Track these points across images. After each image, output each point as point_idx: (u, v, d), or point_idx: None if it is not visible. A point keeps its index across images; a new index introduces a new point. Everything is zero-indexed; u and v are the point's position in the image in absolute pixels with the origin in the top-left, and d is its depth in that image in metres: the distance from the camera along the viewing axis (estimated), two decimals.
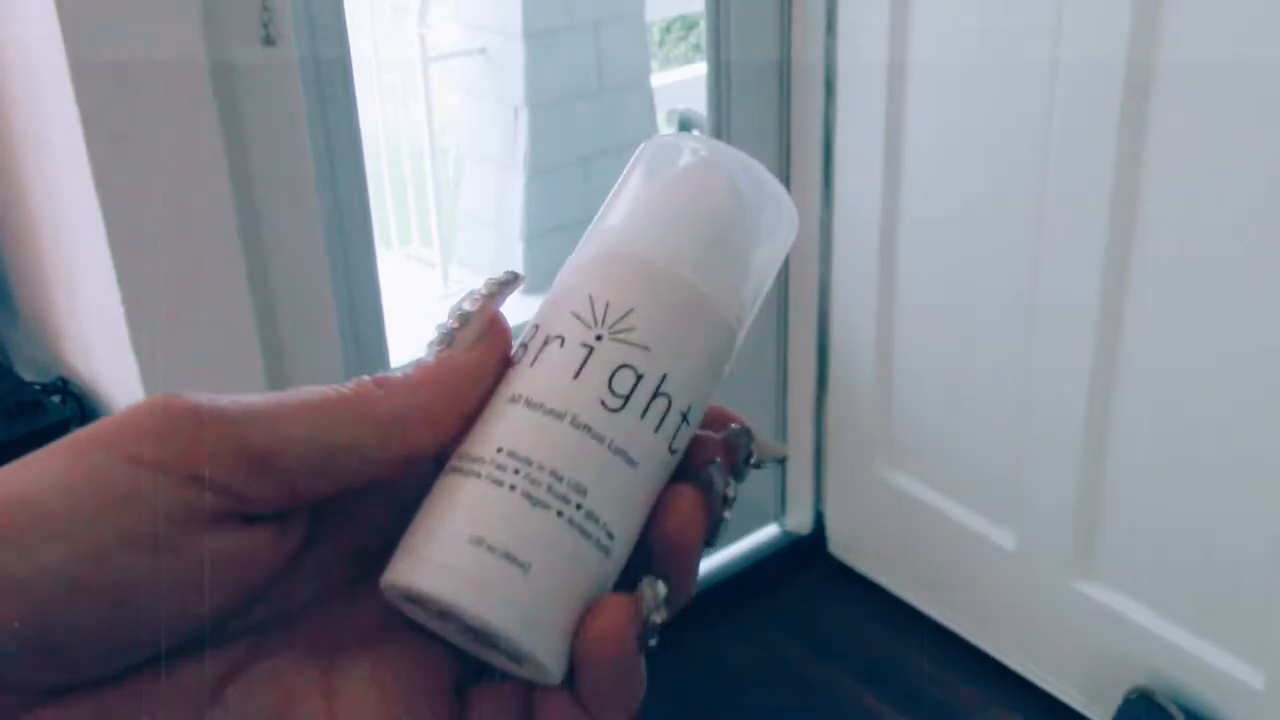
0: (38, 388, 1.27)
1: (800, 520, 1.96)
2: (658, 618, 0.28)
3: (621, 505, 0.27)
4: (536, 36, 2.73)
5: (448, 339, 0.31)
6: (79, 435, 0.27)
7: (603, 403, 0.28)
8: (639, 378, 0.28)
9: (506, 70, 2.79)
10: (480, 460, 0.29)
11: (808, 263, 1.78)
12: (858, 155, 1.67)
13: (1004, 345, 1.57)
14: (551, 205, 2.81)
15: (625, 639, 0.28)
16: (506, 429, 0.29)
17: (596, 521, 0.27)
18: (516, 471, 0.28)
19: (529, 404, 0.29)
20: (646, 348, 0.29)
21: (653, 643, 0.28)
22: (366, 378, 0.30)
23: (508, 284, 0.32)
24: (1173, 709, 1.45)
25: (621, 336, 0.29)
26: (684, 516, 0.29)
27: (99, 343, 1.25)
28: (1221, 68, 1.26)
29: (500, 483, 0.28)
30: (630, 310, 0.29)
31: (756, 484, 1.93)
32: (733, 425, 0.31)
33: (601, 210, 0.33)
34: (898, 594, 1.84)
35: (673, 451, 0.29)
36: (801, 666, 1.77)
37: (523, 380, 0.30)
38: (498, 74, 2.83)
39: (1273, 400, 1.32)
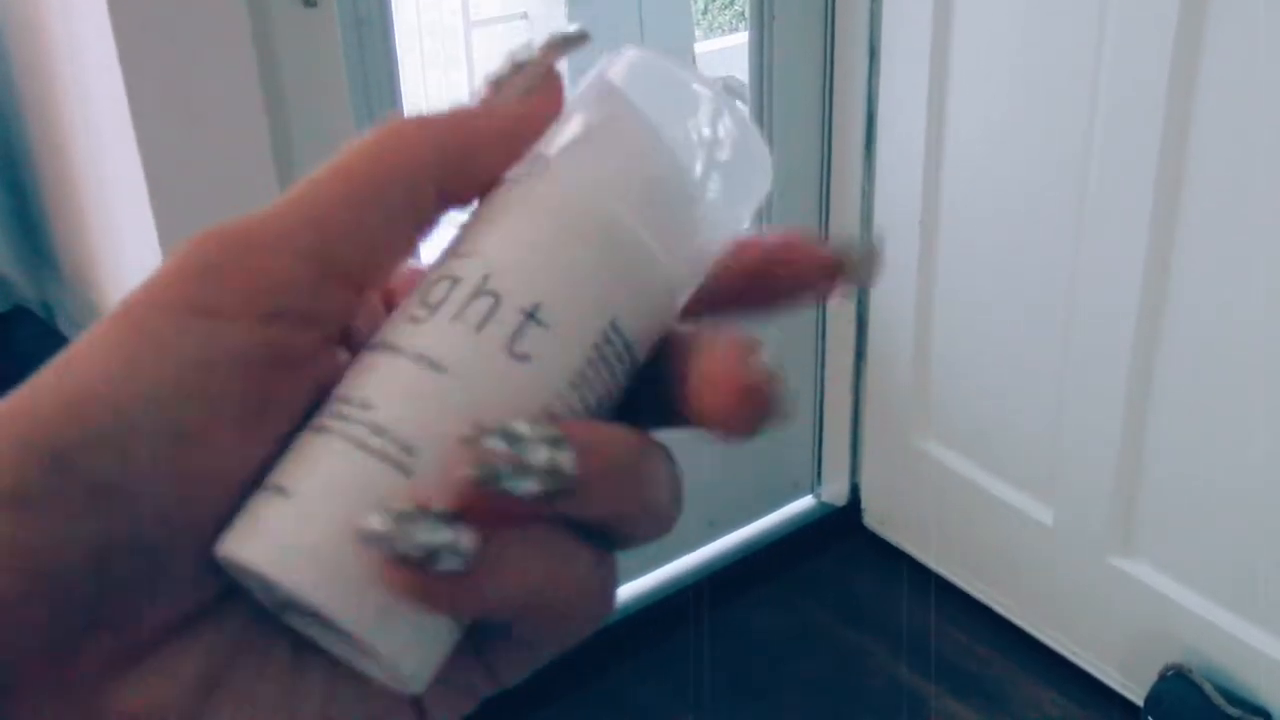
0: None
1: (836, 491, 1.95)
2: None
3: (424, 414, 0.23)
4: (578, 1, 2.71)
5: (496, 86, 0.27)
6: (129, 300, 0.23)
7: (412, 318, 0.24)
8: (455, 282, 0.24)
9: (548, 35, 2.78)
10: None
11: (848, 233, 1.76)
12: (900, 125, 1.65)
13: (1043, 318, 1.56)
14: None
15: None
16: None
17: (383, 435, 0.23)
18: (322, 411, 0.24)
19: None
20: (468, 254, 0.25)
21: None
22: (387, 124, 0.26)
23: (573, 39, 0.29)
24: (1209, 687, 1.44)
25: (450, 251, 0.26)
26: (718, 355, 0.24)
27: None
28: (1267, 53, 1.24)
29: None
30: (465, 223, 0.26)
31: (792, 454, 1.93)
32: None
33: None
34: (932, 567, 1.83)
35: (517, 355, 0.24)
36: (835, 637, 1.77)
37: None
38: (539, 39, 2.82)
39: None
